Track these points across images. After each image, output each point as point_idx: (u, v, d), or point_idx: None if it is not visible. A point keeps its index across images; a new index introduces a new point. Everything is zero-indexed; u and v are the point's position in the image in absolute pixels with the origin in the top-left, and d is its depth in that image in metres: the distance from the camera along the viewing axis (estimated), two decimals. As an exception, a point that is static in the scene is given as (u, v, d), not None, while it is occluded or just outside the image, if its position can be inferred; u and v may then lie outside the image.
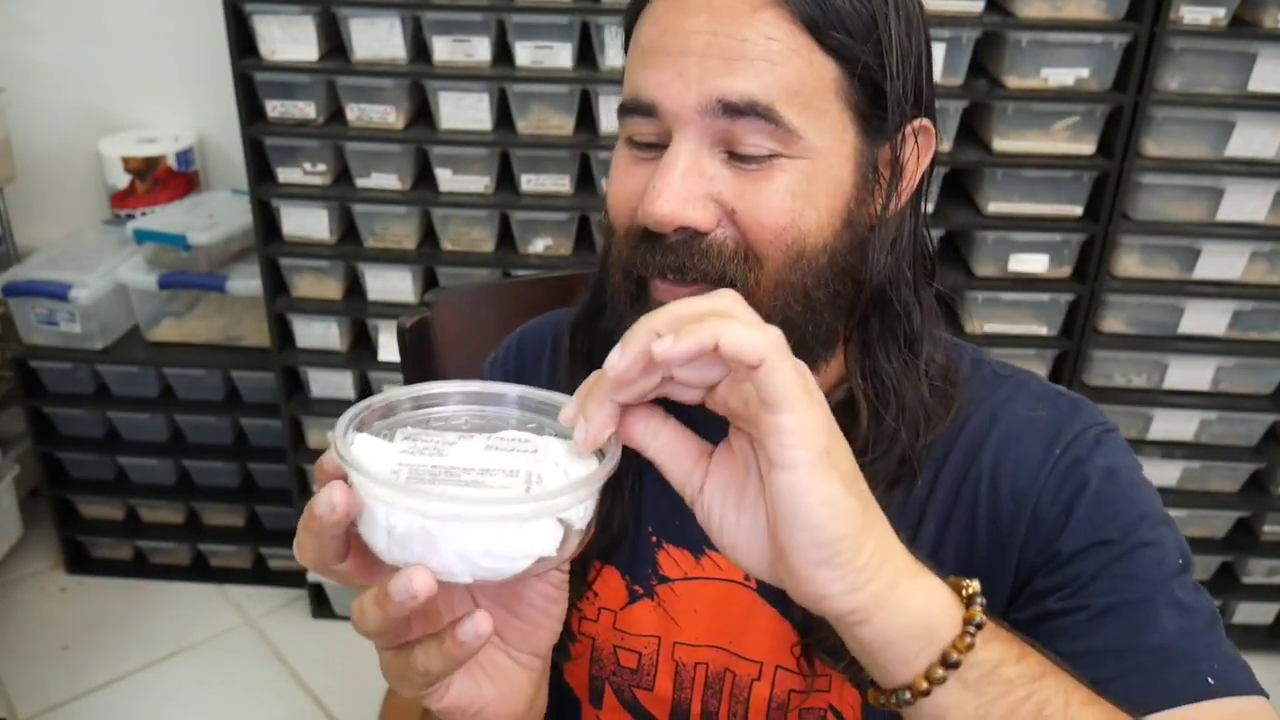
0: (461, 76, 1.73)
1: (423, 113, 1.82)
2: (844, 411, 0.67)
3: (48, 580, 2.24)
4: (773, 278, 0.63)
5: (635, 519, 0.76)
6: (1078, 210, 1.76)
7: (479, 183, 1.82)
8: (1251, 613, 2.11)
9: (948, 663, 0.50)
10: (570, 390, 0.52)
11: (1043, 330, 1.86)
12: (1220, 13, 1.61)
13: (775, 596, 0.72)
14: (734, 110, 0.60)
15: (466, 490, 0.48)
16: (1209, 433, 1.92)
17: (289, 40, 1.72)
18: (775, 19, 0.60)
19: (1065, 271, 1.81)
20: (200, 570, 2.26)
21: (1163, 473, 1.93)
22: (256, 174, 1.80)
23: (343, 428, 0.50)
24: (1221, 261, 1.78)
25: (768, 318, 0.63)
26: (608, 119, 1.74)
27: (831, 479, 0.47)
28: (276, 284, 1.91)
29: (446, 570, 0.47)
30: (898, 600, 0.49)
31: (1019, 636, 0.54)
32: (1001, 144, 1.72)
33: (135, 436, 2.16)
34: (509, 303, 1.10)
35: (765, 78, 0.60)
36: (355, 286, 1.95)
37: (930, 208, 0.84)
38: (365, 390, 2.01)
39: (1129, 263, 1.79)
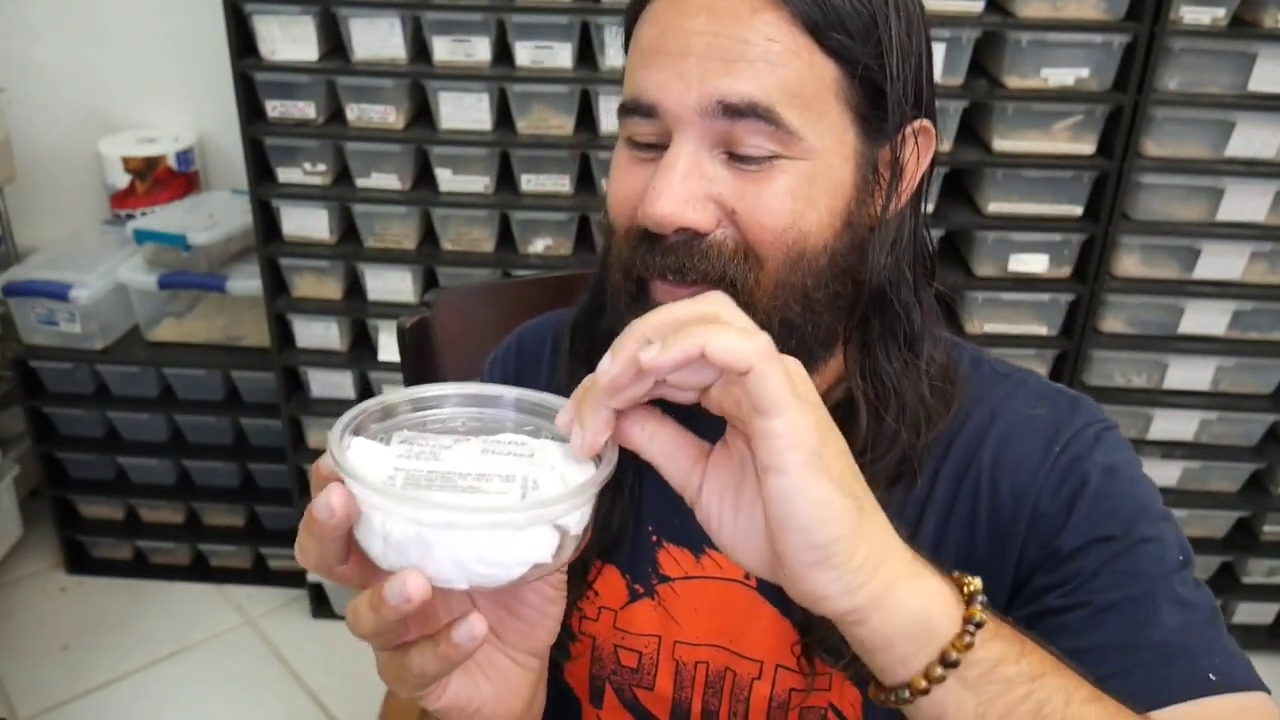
0: (461, 76, 1.73)
1: (423, 113, 1.82)
2: (844, 411, 0.68)
3: (48, 580, 2.24)
4: (773, 278, 0.63)
5: (635, 518, 0.76)
6: (1078, 210, 1.76)
7: (479, 183, 1.82)
8: (1251, 613, 2.11)
9: (946, 662, 0.50)
10: (570, 391, 0.52)
11: (1043, 330, 1.86)
12: (1220, 13, 1.61)
13: (776, 595, 0.72)
14: (734, 111, 0.60)
15: (462, 497, 0.48)
16: (1209, 433, 1.92)
17: (289, 40, 1.72)
18: (775, 20, 0.60)
19: (1065, 271, 1.81)
20: (200, 570, 2.26)
21: (1163, 473, 1.93)
22: (256, 174, 1.80)
23: (338, 433, 0.50)
24: (1221, 261, 1.78)
25: (767, 318, 0.64)
26: (608, 119, 1.74)
27: (822, 481, 0.46)
28: (276, 284, 1.91)
29: (442, 576, 0.47)
30: (895, 600, 0.49)
31: (1022, 633, 0.54)
32: (1001, 144, 1.72)
33: (135, 436, 2.16)
34: (509, 303, 1.10)
35: (765, 79, 0.60)
36: (355, 286, 1.95)
37: (930, 208, 0.84)
38: (365, 390, 2.02)
39: (1129, 263, 1.79)
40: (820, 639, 0.69)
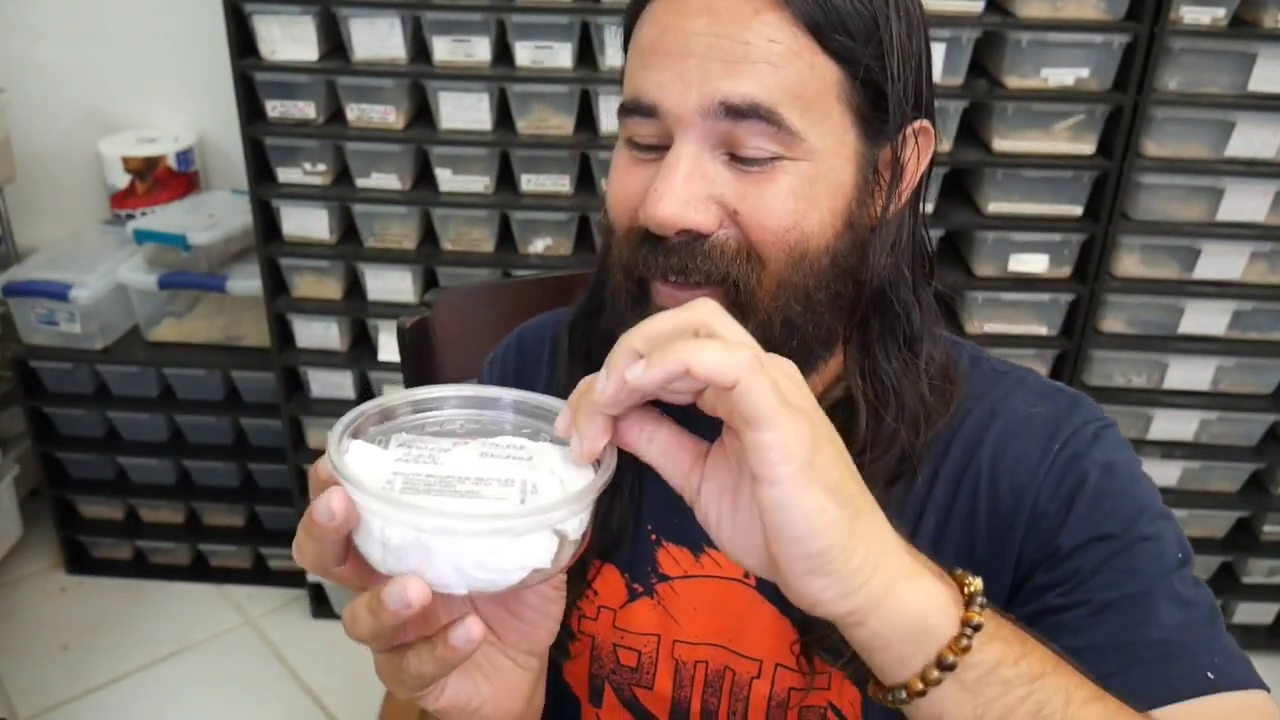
0: (461, 76, 1.73)
1: (423, 113, 1.82)
2: (843, 411, 0.68)
3: (48, 580, 2.25)
4: (775, 278, 0.63)
5: (635, 517, 0.76)
6: (1078, 210, 1.76)
7: (479, 183, 1.82)
8: (1251, 613, 2.11)
9: (943, 665, 0.50)
10: (569, 391, 0.52)
11: (1043, 330, 1.86)
12: (1220, 13, 1.61)
13: (775, 594, 0.72)
14: (736, 112, 0.60)
15: (461, 502, 0.48)
16: (1209, 433, 1.92)
17: (289, 40, 1.72)
18: (777, 21, 0.60)
19: (1065, 271, 1.81)
20: (200, 570, 2.26)
21: (1163, 473, 1.93)
22: (256, 174, 1.80)
23: (336, 436, 0.50)
24: (1221, 261, 1.78)
25: (769, 318, 0.64)
26: (608, 119, 1.75)
27: (814, 491, 0.46)
28: (276, 284, 1.91)
29: (441, 582, 0.47)
30: (893, 602, 0.49)
31: (1024, 631, 0.54)
32: (1001, 144, 1.72)
33: (135, 436, 2.16)
34: (509, 303, 1.10)
35: (767, 80, 0.60)
36: (355, 286, 1.95)
37: (930, 208, 0.84)
38: (365, 390, 2.02)
39: (1129, 263, 1.79)
40: (820, 638, 0.69)
